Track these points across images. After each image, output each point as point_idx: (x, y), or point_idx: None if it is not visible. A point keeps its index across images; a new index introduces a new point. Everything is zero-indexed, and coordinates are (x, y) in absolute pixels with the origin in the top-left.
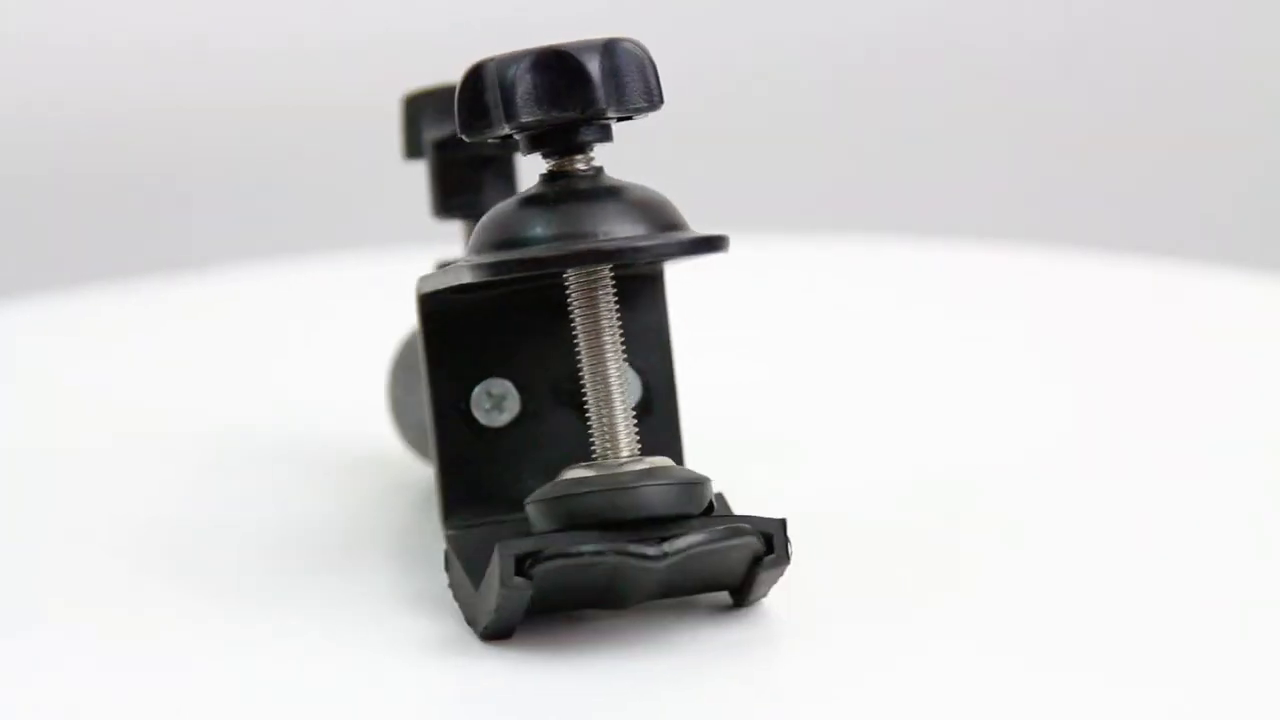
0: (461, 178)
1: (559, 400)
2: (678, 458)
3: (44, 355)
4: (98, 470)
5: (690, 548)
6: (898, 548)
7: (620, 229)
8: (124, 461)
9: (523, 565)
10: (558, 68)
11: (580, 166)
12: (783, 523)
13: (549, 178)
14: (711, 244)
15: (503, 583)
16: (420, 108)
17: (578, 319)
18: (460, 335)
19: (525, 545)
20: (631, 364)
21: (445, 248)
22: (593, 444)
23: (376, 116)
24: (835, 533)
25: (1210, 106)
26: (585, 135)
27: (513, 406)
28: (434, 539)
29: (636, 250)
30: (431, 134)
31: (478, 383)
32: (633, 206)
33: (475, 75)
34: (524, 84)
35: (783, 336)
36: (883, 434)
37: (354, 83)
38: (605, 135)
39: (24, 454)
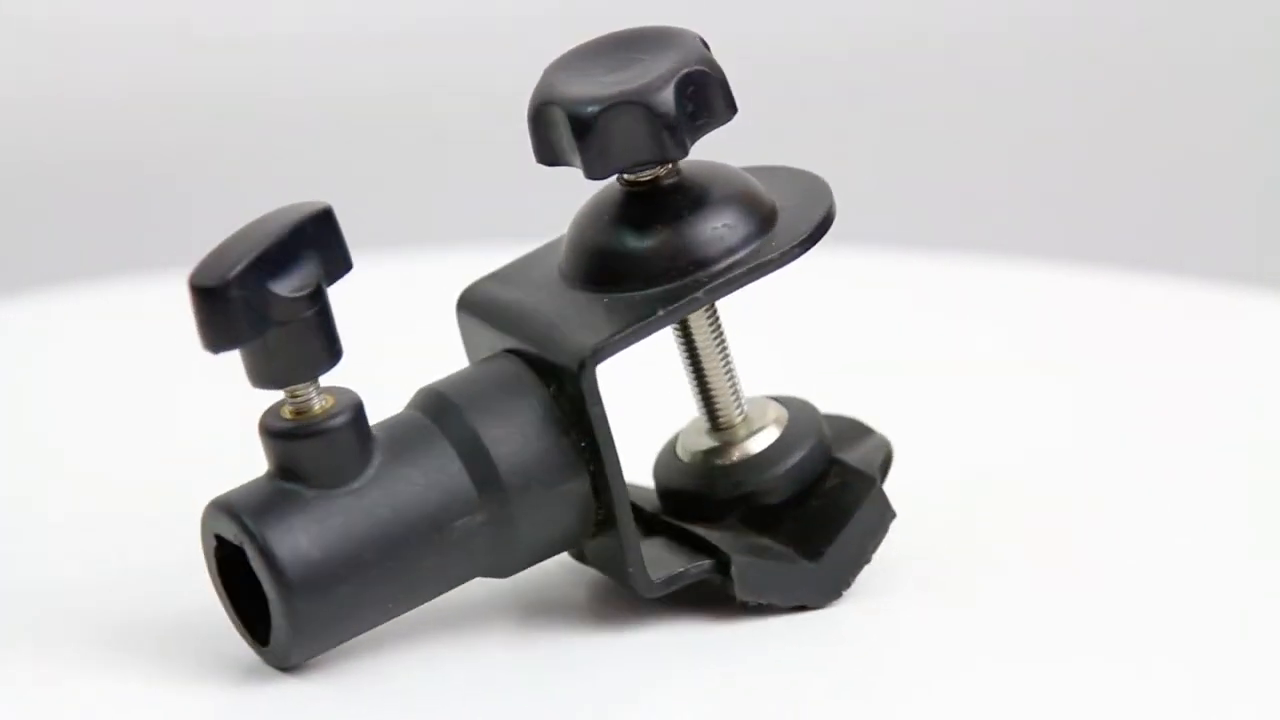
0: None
1: None
2: None
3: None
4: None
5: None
6: (902, 550)
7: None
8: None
9: None
10: (711, 78)
11: (662, 173)
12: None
13: (649, 191)
14: (831, 219)
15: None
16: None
17: (692, 322)
18: None
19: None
20: None
21: (446, 248)
22: (717, 416)
23: (380, 110)
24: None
25: (1212, 120)
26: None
27: None
28: None
29: (809, 242)
30: None
31: None
32: (739, 200)
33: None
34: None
35: (783, 345)
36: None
37: (360, 80)
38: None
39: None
